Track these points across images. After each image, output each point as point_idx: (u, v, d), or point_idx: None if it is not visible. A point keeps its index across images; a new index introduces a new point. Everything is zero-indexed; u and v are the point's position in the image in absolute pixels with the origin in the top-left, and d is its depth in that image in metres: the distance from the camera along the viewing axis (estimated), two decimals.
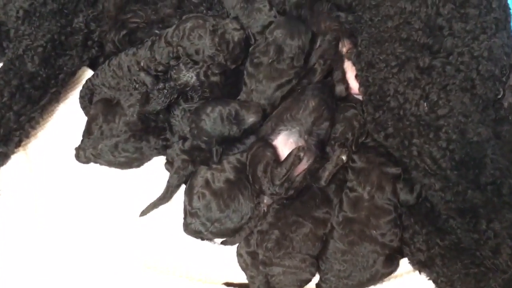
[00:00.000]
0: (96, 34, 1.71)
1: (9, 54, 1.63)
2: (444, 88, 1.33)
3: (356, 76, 1.55)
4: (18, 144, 1.62)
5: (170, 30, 1.60)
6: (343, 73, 1.62)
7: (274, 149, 1.45)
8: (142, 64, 1.63)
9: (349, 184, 1.43)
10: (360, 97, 1.58)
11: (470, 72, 1.34)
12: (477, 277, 1.29)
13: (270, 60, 1.56)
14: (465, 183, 1.29)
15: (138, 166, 1.61)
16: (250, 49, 1.61)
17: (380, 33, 1.45)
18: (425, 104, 1.34)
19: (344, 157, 1.44)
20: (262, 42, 1.60)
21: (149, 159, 1.62)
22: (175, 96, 1.58)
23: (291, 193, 1.42)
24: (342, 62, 1.64)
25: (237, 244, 1.46)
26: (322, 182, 1.43)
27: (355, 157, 1.44)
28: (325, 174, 1.43)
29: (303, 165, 1.43)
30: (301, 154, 1.40)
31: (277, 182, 1.39)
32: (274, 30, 1.59)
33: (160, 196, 1.53)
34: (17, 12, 1.64)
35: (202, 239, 1.49)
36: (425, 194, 1.41)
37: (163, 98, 1.56)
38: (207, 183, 1.48)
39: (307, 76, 1.59)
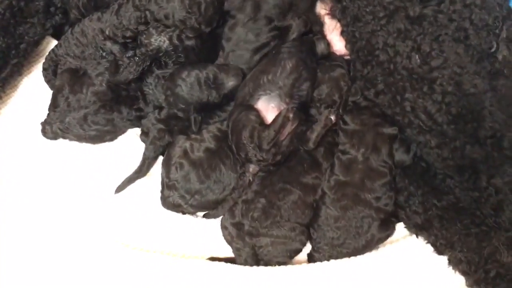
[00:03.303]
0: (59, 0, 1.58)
1: None
2: (437, 39, 1.26)
3: (342, 33, 1.46)
4: None
5: None
6: (322, 31, 1.53)
7: (257, 112, 1.35)
8: (107, 32, 1.50)
9: (341, 147, 1.34)
10: (346, 58, 1.49)
11: (463, 22, 1.28)
12: (479, 237, 1.22)
13: (246, 19, 1.46)
14: (463, 137, 1.22)
15: (111, 139, 1.50)
16: (225, 6, 1.49)
17: None
18: (417, 56, 1.26)
19: (333, 117, 1.36)
20: None
21: (123, 132, 1.51)
22: (148, 63, 1.46)
23: (279, 159, 1.32)
24: (322, 21, 1.55)
25: (220, 217, 1.36)
26: (311, 144, 1.34)
27: (347, 119, 1.35)
28: (314, 136, 1.34)
29: (288, 129, 1.33)
30: (290, 115, 1.30)
31: (266, 147, 1.29)
32: None
33: (136, 170, 1.42)
34: None
35: (183, 213, 1.39)
36: (420, 154, 1.33)
37: (135, 66, 1.45)
38: (185, 153, 1.37)
39: (282, 35, 1.49)
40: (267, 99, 1.36)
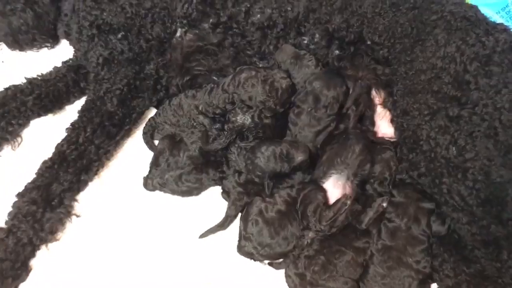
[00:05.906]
0: (164, 79, 1.96)
1: (90, 94, 1.88)
2: (471, 135, 1.49)
3: (392, 121, 1.76)
4: (96, 173, 1.86)
5: (227, 79, 1.83)
6: (373, 117, 1.85)
7: (324, 193, 1.65)
8: (200, 108, 1.86)
9: (387, 215, 1.61)
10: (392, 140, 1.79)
11: (493, 121, 1.49)
12: None
13: (309, 109, 1.76)
14: (489, 218, 1.46)
15: (197, 194, 1.85)
16: (292, 99, 1.81)
17: (414, 85, 1.64)
18: (453, 148, 1.51)
19: (385, 204, 1.62)
20: (302, 91, 1.81)
21: (207, 189, 1.85)
22: (234, 136, 1.80)
23: (333, 231, 1.61)
24: (374, 109, 1.86)
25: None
26: (363, 226, 1.61)
27: (394, 192, 1.63)
28: (366, 219, 1.61)
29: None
30: (348, 202, 1.58)
31: (324, 223, 1.58)
32: (313, 81, 1.79)
33: (218, 224, 1.74)
34: (98, 59, 1.90)
35: (254, 260, 1.69)
36: (453, 227, 1.59)
37: (224, 139, 1.79)
38: (260, 212, 1.67)
39: (343, 121, 1.80)
40: (336, 177, 1.66)
